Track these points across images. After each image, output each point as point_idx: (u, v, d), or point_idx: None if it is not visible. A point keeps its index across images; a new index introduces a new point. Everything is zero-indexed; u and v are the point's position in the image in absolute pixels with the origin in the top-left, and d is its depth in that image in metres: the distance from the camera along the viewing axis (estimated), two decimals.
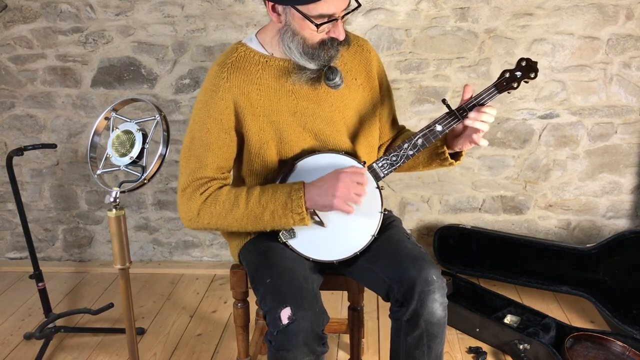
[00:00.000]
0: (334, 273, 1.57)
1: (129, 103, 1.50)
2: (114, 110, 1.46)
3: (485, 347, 2.09)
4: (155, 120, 1.42)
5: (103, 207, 2.79)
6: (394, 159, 1.45)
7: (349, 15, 1.37)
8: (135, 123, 1.41)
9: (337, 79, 1.41)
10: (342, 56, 1.47)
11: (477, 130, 1.41)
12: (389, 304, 1.44)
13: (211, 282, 2.68)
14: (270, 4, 1.36)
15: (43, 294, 2.14)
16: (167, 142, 1.42)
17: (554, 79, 2.43)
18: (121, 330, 2.24)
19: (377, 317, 2.32)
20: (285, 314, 1.27)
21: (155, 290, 2.62)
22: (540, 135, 2.51)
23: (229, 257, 2.84)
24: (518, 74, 1.43)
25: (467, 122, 1.40)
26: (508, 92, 1.44)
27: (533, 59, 1.43)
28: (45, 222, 2.84)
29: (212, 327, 2.29)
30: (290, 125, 1.46)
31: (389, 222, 1.59)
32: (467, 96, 1.44)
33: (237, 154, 1.51)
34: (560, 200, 2.59)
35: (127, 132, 1.40)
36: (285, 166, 1.47)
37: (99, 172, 1.44)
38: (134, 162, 1.40)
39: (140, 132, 1.40)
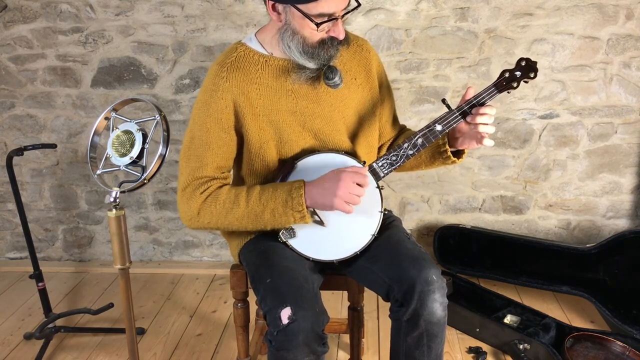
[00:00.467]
0: (334, 273, 1.57)
1: (129, 103, 1.51)
2: (114, 110, 1.46)
3: (485, 347, 2.09)
4: (155, 120, 1.42)
5: (103, 207, 2.79)
6: (393, 158, 1.45)
7: (348, 15, 1.38)
8: (135, 123, 1.41)
9: (337, 78, 1.41)
10: (341, 56, 1.47)
11: (481, 133, 1.41)
12: (389, 304, 1.44)
13: (211, 282, 2.68)
14: (271, 2, 1.36)
15: (43, 294, 2.14)
16: (167, 142, 1.42)
17: (554, 79, 2.43)
18: (121, 330, 2.24)
19: (377, 317, 2.32)
20: (286, 314, 1.27)
21: (155, 290, 2.62)
22: (540, 135, 2.51)
23: (229, 257, 2.84)
24: (518, 73, 1.43)
25: (468, 119, 1.41)
26: (508, 92, 1.44)
27: (533, 59, 1.44)
28: (45, 222, 2.84)
29: (212, 327, 2.29)
30: (289, 125, 1.47)
31: (389, 222, 1.59)
32: (469, 97, 1.44)
33: (237, 154, 1.51)
34: (560, 200, 2.59)
35: (127, 132, 1.40)
36: (285, 166, 1.47)
37: (99, 172, 1.44)
38: (134, 162, 1.40)
39: (140, 132, 1.40)
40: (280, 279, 1.35)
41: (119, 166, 1.40)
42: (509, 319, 2.11)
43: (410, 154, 1.44)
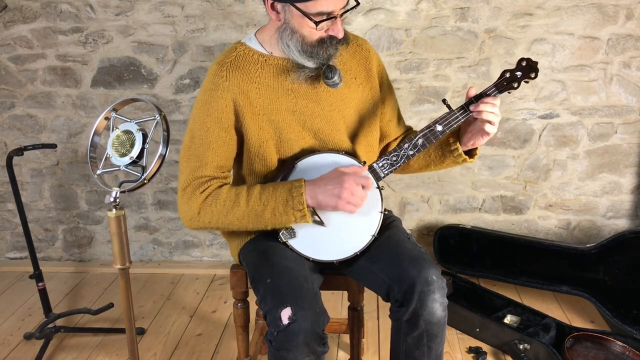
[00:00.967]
0: (334, 273, 1.57)
1: (129, 103, 1.50)
2: (114, 110, 1.46)
3: (485, 347, 2.09)
4: (155, 120, 1.42)
5: (103, 207, 2.79)
6: (394, 159, 1.45)
7: (348, 14, 1.38)
8: (135, 123, 1.41)
9: (336, 77, 1.41)
10: (341, 55, 1.47)
11: (486, 122, 1.40)
12: (389, 304, 1.44)
13: (211, 282, 2.68)
14: (270, 2, 1.36)
15: (43, 294, 2.14)
16: (167, 142, 1.42)
17: (554, 79, 2.43)
18: (121, 330, 2.24)
19: (377, 317, 2.32)
20: (286, 314, 1.26)
21: (155, 290, 2.62)
22: (540, 135, 2.51)
23: (229, 257, 2.84)
24: (518, 74, 1.43)
25: (472, 114, 1.40)
26: (508, 92, 1.44)
27: (533, 59, 1.43)
28: (45, 222, 2.84)
29: (212, 327, 2.29)
30: (289, 124, 1.47)
31: (389, 222, 1.59)
32: (470, 97, 1.44)
33: (237, 153, 1.51)
34: (560, 200, 2.59)
35: (127, 132, 1.40)
36: (286, 165, 1.47)
37: (99, 172, 1.44)
38: (134, 162, 1.40)
39: (140, 132, 1.40)
40: (281, 279, 1.35)
41: (119, 166, 1.40)
42: (509, 319, 2.11)
43: (411, 154, 1.44)
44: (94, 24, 2.52)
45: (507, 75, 1.43)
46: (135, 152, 1.39)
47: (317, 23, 1.32)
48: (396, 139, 1.68)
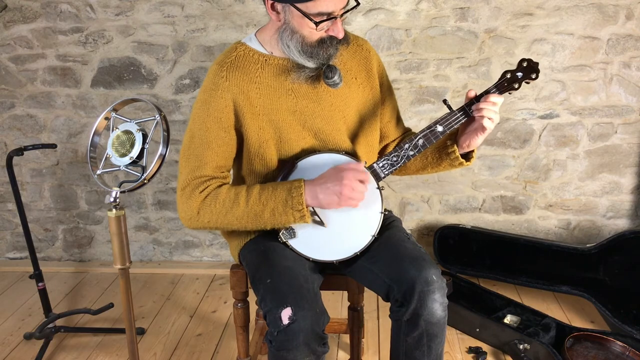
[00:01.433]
0: (334, 273, 1.57)
1: (129, 103, 1.50)
2: (114, 110, 1.46)
3: (485, 347, 2.09)
4: (155, 120, 1.42)
5: (103, 207, 2.79)
6: (394, 159, 1.45)
7: (348, 14, 1.38)
8: (135, 123, 1.41)
9: (336, 77, 1.41)
10: (341, 55, 1.47)
11: (485, 118, 1.39)
12: (389, 304, 1.44)
13: (211, 282, 2.68)
14: (270, 2, 1.36)
15: (43, 294, 2.14)
16: (167, 142, 1.42)
17: (554, 79, 2.43)
18: (121, 330, 2.24)
19: (377, 317, 2.32)
20: (286, 314, 1.26)
21: (155, 290, 2.62)
22: (540, 135, 2.51)
23: (229, 257, 2.84)
24: (519, 74, 1.43)
25: (474, 113, 1.40)
26: (509, 93, 1.44)
27: (534, 60, 1.43)
28: (45, 222, 2.84)
29: (212, 327, 2.29)
30: (289, 124, 1.47)
31: (389, 222, 1.59)
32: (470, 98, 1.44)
33: (236, 153, 1.51)
34: (560, 200, 2.59)
35: (127, 132, 1.40)
36: (286, 165, 1.47)
37: (99, 172, 1.44)
38: (134, 162, 1.40)
39: (140, 132, 1.40)
40: (280, 279, 1.35)
41: (119, 166, 1.40)
42: (509, 319, 2.11)
43: (411, 155, 1.44)
44: (94, 24, 2.51)
45: (508, 76, 1.43)
46: (135, 152, 1.39)
47: (317, 23, 1.32)
48: (395, 140, 1.68)
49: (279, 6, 1.36)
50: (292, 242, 1.46)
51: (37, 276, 2.12)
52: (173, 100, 2.60)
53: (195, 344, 2.18)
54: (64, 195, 2.78)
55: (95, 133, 1.46)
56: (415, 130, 1.71)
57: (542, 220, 2.62)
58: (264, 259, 1.44)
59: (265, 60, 1.46)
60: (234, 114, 1.44)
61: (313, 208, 1.41)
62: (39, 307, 2.36)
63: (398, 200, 2.66)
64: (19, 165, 2.72)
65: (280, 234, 1.45)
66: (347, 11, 1.36)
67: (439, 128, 1.44)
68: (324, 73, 1.42)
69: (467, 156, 1.53)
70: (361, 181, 1.37)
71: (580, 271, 2.23)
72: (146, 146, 1.40)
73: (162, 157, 1.41)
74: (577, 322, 2.23)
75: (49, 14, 2.51)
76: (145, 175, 1.40)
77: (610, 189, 2.55)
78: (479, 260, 2.46)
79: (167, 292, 2.59)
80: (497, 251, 2.42)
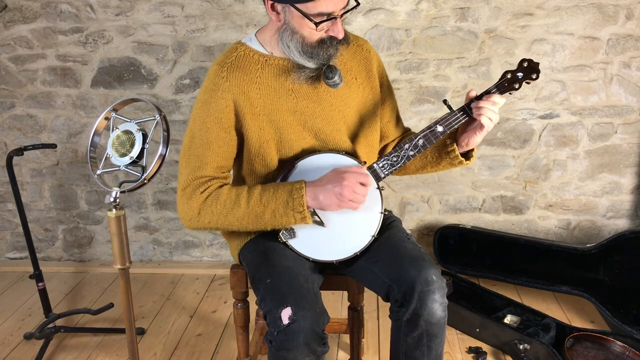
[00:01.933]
0: (334, 273, 1.57)
1: (129, 103, 1.50)
2: (114, 110, 1.46)
3: (485, 347, 2.09)
4: (155, 120, 1.42)
5: (103, 207, 2.79)
6: (394, 159, 1.45)
7: (348, 14, 1.38)
8: (135, 123, 1.41)
9: (336, 77, 1.41)
10: (341, 55, 1.47)
11: (484, 116, 1.40)
12: (389, 304, 1.44)
13: (211, 282, 2.68)
14: (270, 2, 1.36)
15: (43, 294, 2.14)
16: (167, 142, 1.42)
17: (554, 79, 2.43)
18: (121, 330, 2.24)
19: (377, 317, 2.32)
20: (286, 314, 1.27)
21: (155, 290, 2.62)
22: (540, 135, 2.51)
23: (229, 257, 2.84)
24: (520, 74, 1.43)
25: (474, 112, 1.40)
26: (510, 93, 1.44)
27: (535, 60, 1.43)
28: (45, 222, 2.84)
29: (212, 327, 2.29)
30: (290, 124, 1.47)
31: (389, 222, 1.59)
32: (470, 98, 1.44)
33: (237, 154, 1.51)
34: (560, 200, 2.59)
35: (127, 132, 1.40)
36: (286, 165, 1.47)
37: (99, 172, 1.44)
38: (134, 162, 1.40)
39: (140, 132, 1.40)
40: (280, 279, 1.35)
41: (119, 166, 1.40)
42: (509, 319, 2.11)
43: (411, 155, 1.44)
44: (94, 24, 2.51)
45: (509, 76, 1.43)
46: (135, 152, 1.39)
47: (317, 24, 1.32)
48: (394, 139, 1.68)
49: (279, 6, 1.36)
50: (292, 242, 1.46)
51: (37, 276, 2.12)
52: (173, 100, 2.60)
53: (195, 344, 2.18)
54: (64, 195, 2.78)
55: (95, 133, 1.46)
56: (415, 130, 1.71)
57: (542, 220, 2.62)
58: (264, 259, 1.44)
59: (266, 60, 1.46)
60: (235, 114, 1.44)
61: (313, 208, 1.41)
62: (39, 307, 2.36)
63: (398, 200, 2.66)
64: (19, 165, 2.72)
65: (280, 234, 1.46)
66: (347, 11, 1.36)
67: (439, 128, 1.44)
68: (324, 73, 1.42)
69: (466, 155, 1.53)
70: (362, 184, 1.37)
71: (580, 271, 2.23)
72: (146, 146, 1.40)
73: (162, 157, 1.41)
74: (577, 322, 2.23)
75: (49, 14, 2.51)
76: (145, 175, 1.40)
77: (610, 189, 2.55)
78: (479, 260, 2.46)
79: (167, 292, 2.59)
80: (497, 251, 2.42)
